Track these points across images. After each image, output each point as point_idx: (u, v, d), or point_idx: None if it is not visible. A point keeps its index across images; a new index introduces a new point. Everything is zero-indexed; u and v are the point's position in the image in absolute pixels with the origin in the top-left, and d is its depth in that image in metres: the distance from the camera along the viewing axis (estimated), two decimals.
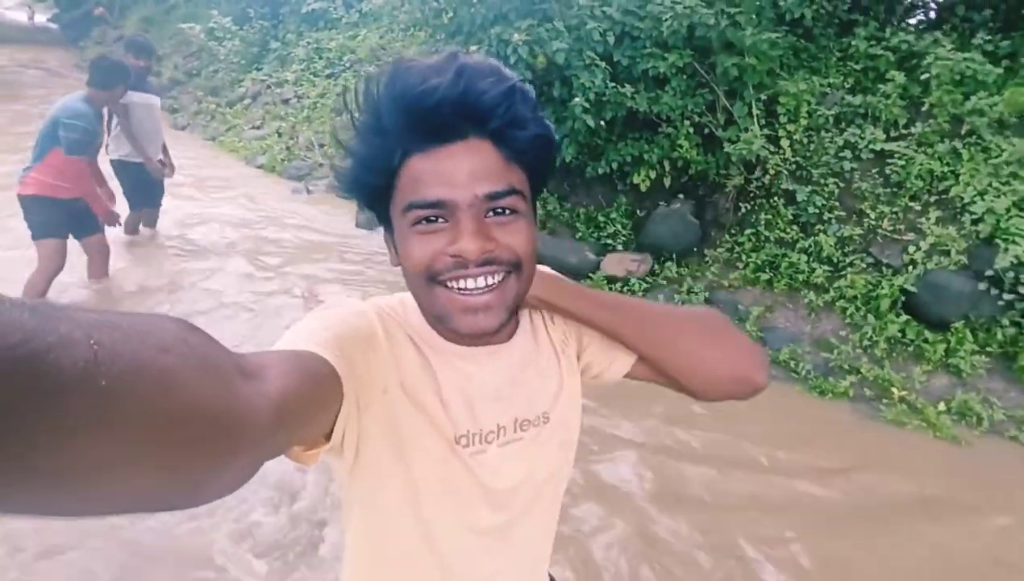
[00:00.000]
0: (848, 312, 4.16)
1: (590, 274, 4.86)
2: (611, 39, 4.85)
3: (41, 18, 19.76)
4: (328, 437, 0.62)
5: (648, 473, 2.83)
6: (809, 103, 4.98)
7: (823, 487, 2.83)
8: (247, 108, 10.50)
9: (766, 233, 4.69)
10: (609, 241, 5.15)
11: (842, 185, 4.67)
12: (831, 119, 4.92)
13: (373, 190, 0.69)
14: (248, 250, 5.36)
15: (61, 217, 3.85)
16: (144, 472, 0.31)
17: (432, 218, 0.65)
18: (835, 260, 4.42)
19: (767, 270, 4.53)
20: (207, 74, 11.88)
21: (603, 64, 4.85)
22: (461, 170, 0.64)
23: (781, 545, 2.45)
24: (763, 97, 4.99)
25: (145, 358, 0.31)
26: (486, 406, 0.77)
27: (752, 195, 4.88)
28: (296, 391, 0.48)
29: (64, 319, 0.27)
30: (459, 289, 0.66)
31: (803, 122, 4.91)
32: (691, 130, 4.94)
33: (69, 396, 0.26)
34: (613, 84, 4.85)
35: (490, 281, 0.66)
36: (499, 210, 0.66)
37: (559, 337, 0.86)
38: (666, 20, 4.68)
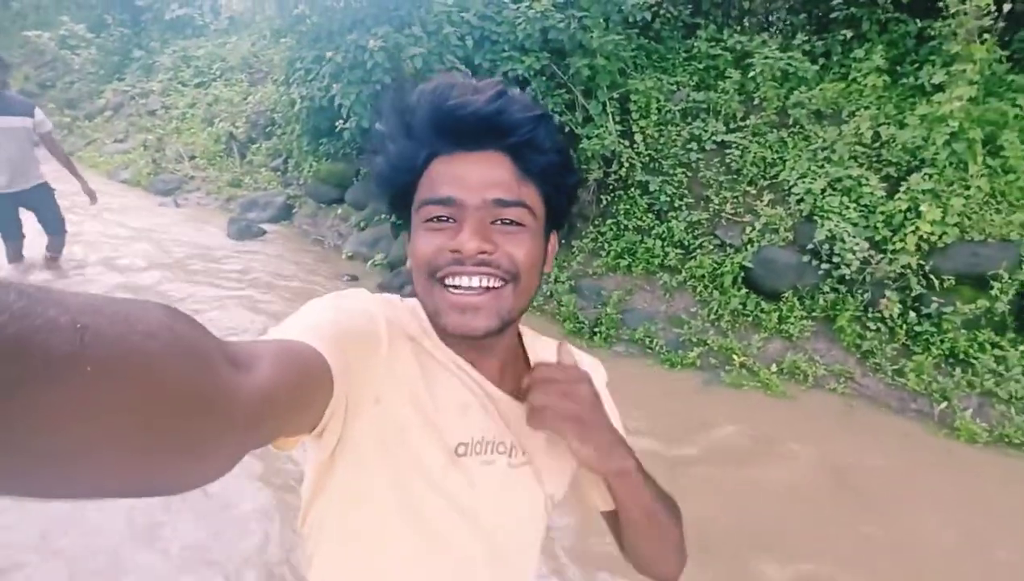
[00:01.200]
0: (698, 290, 4.55)
1: None
2: (470, 43, 5.03)
3: None
4: (312, 429, 0.62)
5: None
6: (658, 100, 5.38)
7: (665, 442, 3.11)
8: (109, 120, 9.88)
9: (625, 222, 5.02)
10: None
11: (690, 174, 5.08)
12: (678, 114, 5.33)
13: (399, 187, 0.73)
14: (119, 266, 5.11)
15: None
16: (128, 457, 0.31)
17: (443, 217, 0.69)
18: (686, 243, 4.80)
19: (626, 256, 4.86)
20: (62, 85, 11.07)
21: (464, 68, 5.01)
22: (476, 175, 0.68)
23: None
24: (616, 95, 5.34)
25: (131, 344, 0.31)
26: (476, 417, 0.75)
27: (612, 187, 5.20)
28: (286, 384, 0.48)
29: (52, 303, 0.27)
30: (454, 287, 0.67)
31: (654, 118, 5.30)
32: None
33: (54, 380, 0.26)
34: None
35: (485, 283, 0.67)
36: (506, 221, 0.69)
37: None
38: (520, 24, 4.92)
